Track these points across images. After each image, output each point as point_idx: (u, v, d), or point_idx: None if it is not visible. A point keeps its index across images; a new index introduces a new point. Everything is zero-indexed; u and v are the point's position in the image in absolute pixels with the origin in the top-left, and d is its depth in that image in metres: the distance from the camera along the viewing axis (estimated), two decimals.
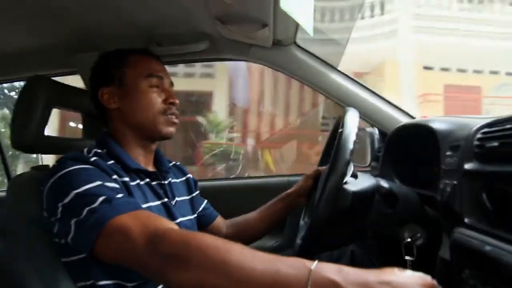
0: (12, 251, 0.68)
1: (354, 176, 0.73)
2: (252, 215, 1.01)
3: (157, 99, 0.80)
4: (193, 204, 0.94)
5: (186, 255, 0.48)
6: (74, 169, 0.64)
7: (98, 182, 0.62)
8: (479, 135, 0.54)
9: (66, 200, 0.60)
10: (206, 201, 1.03)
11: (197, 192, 0.99)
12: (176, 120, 0.83)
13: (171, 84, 0.86)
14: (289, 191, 0.99)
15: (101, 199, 0.59)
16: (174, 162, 0.99)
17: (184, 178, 0.97)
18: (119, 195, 0.62)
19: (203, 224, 0.98)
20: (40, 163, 0.89)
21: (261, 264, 0.45)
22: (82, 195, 0.60)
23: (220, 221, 1.02)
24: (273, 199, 1.01)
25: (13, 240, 0.70)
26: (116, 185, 0.66)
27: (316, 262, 0.44)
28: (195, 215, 0.94)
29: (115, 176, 0.68)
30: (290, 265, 0.45)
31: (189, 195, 0.95)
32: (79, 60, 1.09)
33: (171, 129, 0.82)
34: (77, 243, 0.60)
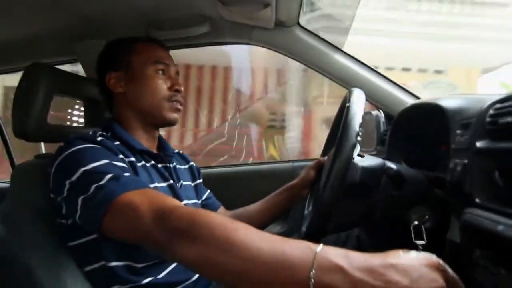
0: (17, 239, 0.68)
1: (361, 156, 0.71)
2: (254, 207, 1.01)
3: (163, 86, 0.81)
4: (197, 191, 0.95)
5: (192, 231, 0.48)
6: (82, 147, 0.65)
7: (106, 161, 0.63)
8: (491, 111, 0.52)
9: (74, 178, 0.61)
10: (208, 191, 1.03)
11: (201, 180, 1.00)
12: (180, 107, 0.84)
13: (177, 72, 0.87)
14: (291, 183, 0.98)
15: (108, 176, 0.59)
16: (177, 150, 0.99)
17: (187, 166, 0.98)
18: (127, 173, 0.63)
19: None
20: (43, 151, 0.89)
21: (266, 245, 0.44)
22: (89, 173, 0.61)
23: (222, 212, 1.03)
24: (275, 191, 1.00)
25: (18, 228, 0.70)
26: (123, 164, 0.67)
27: (321, 245, 0.44)
28: (200, 201, 0.94)
29: (121, 156, 0.70)
30: (296, 247, 0.44)
31: (193, 181, 0.96)
32: (79, 48, 1.08)
33: (175, 115, 0.83)
34: (85, 221, 0.61)
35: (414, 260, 0.41)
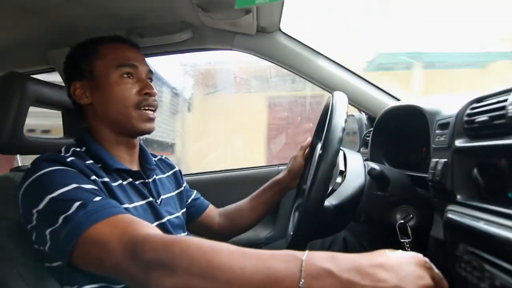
0: None
1: (342, 173, 0.72)
2: (243, 204, 1.01)
3: (130, 91, 0.74)
4: (181, 198, 0.92)
5: (169, 260, 0.46)
6: (49, 171, 0.61)
7: (74, 185, 0.59)
8: (468, 111, 0.53)
9: (41, 206, 0.57)
10: (195, 192, 1.01)
11: (185, 184, 0.97)
12: (152, 115, 0.77)
13: (149, 72, 0.80)
14: (279, 176, 0.98)
15: (76, 204, 0.56)
16: (159, 156, 0.96)
17: (171, 172, 0.94)
18: (97, 198, 0.59)
19: (194, 215, 0.97)
20: (20, 164, 0.86)
21: (250, 262, 0.43)
22: (56, 200, 0.57)
23: (212, 210, 1.01)
24: (264, 186, 1.00)
25: None
26: (94, 187, 0.62)
27: (307, 252, 0.43)
28: (184, 209, 0.91)
29: (93, 177, 0.65)
30: (281, 259, 0.43)
31: (177, 189, 0.93)
32: (56, 56, 1.04)
33: (148, 125, 0.76)
34: (54, 253, 0.58)
35: (401, 258, 0.42)
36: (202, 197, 1.02)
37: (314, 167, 0.65)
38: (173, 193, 0.90)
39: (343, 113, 0.66)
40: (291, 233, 0.76)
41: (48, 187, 0.58)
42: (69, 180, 0.59)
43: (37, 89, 0.83)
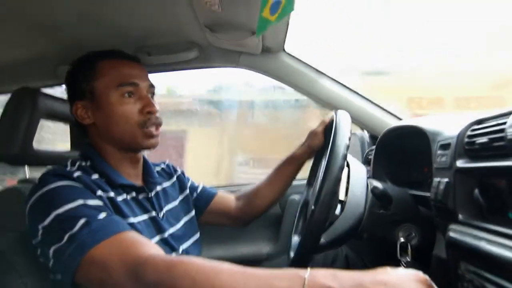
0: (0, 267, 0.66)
1: (341, 203, 0.73)
2: (261, 184, 0.99)
3: (133, 111, 0.73)
4: (187, 202, 0.92)
5: (172, 283, 0.46)
6: (55, 187, 0.61)
7: (80, 201, 0.59)
8: (469, 132, 0.55)
9: (46, 222, 0.58)
10: (201, 184, 1.00)
11: (189, 184, 0.97)
12: (156, 132, 0.76)
13: (151, 86, 0.78)
14: (297, 152, 0.96)
15: (81, 222, 0.56)
16: (162, 165, 0.96)
17: (174, 178, 0.94)
18: (101, 215, 0.59)
19: (202, 206, 0.97)
20: (27, 175, 0.87)
21: (253, 283, 0.44)
22: (62, 217, 0.57)
23: (223, 197, 1.00)
24: (280, 163, 0.99)
25: (1, 255, 0.67)
26: (99, 203, 0.62)
27: (309, 270, 0.44)
28: (191, 213, 0.91)
29: (99, 192, 0.65)
30: (284, 278, 0.44)
31: (181, 193, 0.92)
32: (65, 72, 1.07)
33: (152, 141, 0.76)
34: (58, 272, 0.58)
35: (403, 276, 0.43)
36: (208, 188, 1.01)
37: (318, 185, 0.66)
38: (177, 201, 0.90)
39: (347, 131, 0.68)
40: (292, 254, 0.77)
41: (54, 203, 0.59)
42: (75, 196, 0.60)
43: (47, 104, 0.85)
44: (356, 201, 0.74)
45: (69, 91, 0.79)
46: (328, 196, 0.62)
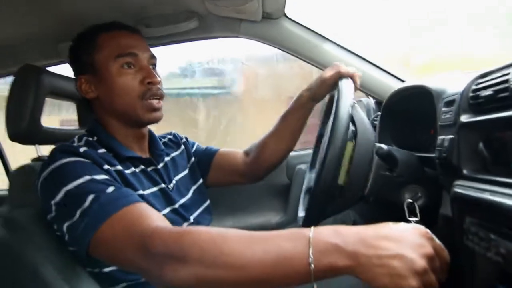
0: (19, 241, 0.68)
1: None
2: (267, 136, 0.95)
3: (133, 82, 0.73)
4: (194, 171, 0.93)
5: (180, 252, 0.47)
6: (63, 163, 0.62)
7: (87, 177, 0.60)
8: (473, 87, 0.54)
9: (58, 199, 0.60)
10: (206, 147, 1.01)
11: (194, 149, 0.97)
12: (157, 105, 0.76)
13: (152, 57, 0.78)
14: (300, 99, 0.90)
15: (90, 197, 0.58)
16: (168, 136, 0.97)
17: (182, 147, 0.95)
18: (109, 189, 0.60)
19: (205, 165, 0.96)
20: (39, 154, 0.89)
21: (260, 246, 0.45)
22: (71, 193, 0.59)
23: (226, 153, 0.98)
24: (284, 112, 0.93)
25: (19, 230, 0.70)
26: (107, 177, 0.63)
27: (313, 229, 0.45)
28: (197, 185, 0.92)
29: (106, 166, 0.66)
30: (289, 238, 0.45)
31: (189, 161, 0.94)
32: (67, 49, 1.07)
33: (154, 115, 0.76)
34: (74, 246, 0.61)
35: (403, 229, 0.44)
36: (210, 147, 1.00)
37: (322, 155, 0.66)
38: (187, 170, 0.92)
39: (350, 99, 0.67)
40: (302, 217, 0.78)
41: (63, 179, 0.60)
42: (83, 172, 0.61)
43: (51, 81, 0.86)
44: (363, 163, 0.73)
45: (73, 66, 0.79)
46: (332, 166, 0.62)
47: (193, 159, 0.96)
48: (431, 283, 0.42)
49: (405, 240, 0.42)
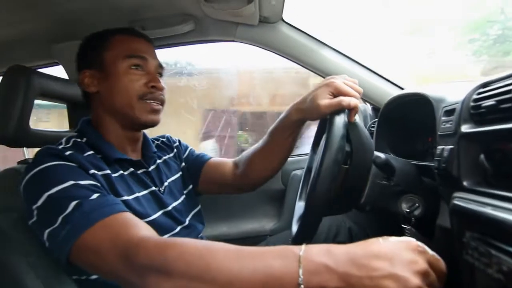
0: (2, 248, 0.66)
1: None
2: (256, 154, 0.87)
3: (137, 82, 0.74)
4: (185, 175, 0.92)
5: (166, 265, 0.46)
6: (47, 166, 0.61)
7: (71, 182, 0.59)
8: (474, 96, 0.53)
9: (39, 203, 0.58)
10: (196, 152, 0.98)
11: (185, 154, 0.95)
12: (157, 107, 0.76)
13: (159, 66, 0.80)
14: (291, 118, 0.78)
15: (73, 204, 0.56)
16: (162, 139, 0.95)
17: (174, 150, 0.94)
18: (93, 196, 0.58)
19: (195, 174, 0.93)
20: (27, 156, 0.87)
21: (248, 262, 0.43)
22: (54, 198, 0.57)
23: (216, 164, 0.94)
24: (272, 129, 0.83)
25: (2, 236, 0.67)
26: (92, 182, 0.62)
27: (303, 247, 0.43)
28: (188, 189, 0.90)
29: (92, 171, 0.64)
30: (279, 256, 0.43)
31: (180, 164, 0.92)
32: (60, 50, 1.05)
33: (152, 117, 0.75)
34: (54, 253, 0.58)
35: (394, 245, 0.42)
36: (202, 154, 0.97)
37: (318, 163, 0.64)
38: (179, 174, 0.90)
39: (342, 131, 0.64)
40: (295, 228, 0.76)
41: (45, 183, 0.58)
42: (66, 176, 0.59)
43: (41, 82, 0.83)
44: (359, 170, 0.71)
45: (79, 60, 0.80)
46: (327, 174, 0.60)
47: (183, 164, 0.94)
48: None
49: (397, 258, 0.40)
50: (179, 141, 0.98)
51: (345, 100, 0.65)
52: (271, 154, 0.86)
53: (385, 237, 0.44)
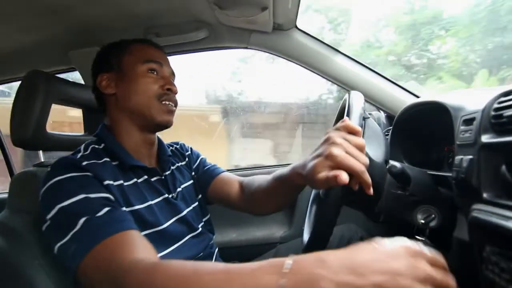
0: (15, 249, 0.67)
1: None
2: (261, 192, 0.85)
3: (154, 85, 0.77)
4: (196, 184, 0.92)
5: None
6: (62, 179, 0.62)
7: (82, 195, 0.60)
8: (496, 105, 0.51)
9: (52, 214, 0.59)
10: (209, 163, 0.98)
11: (198, 159, 0.96)
12: (172, 109, 0.79)
13: (172, 74, 0.84)
14: (293, 180, 0.70)
15: (82, 220, 0.57)
16: (175, 145, 0.96)
17: (186, 158, 0.95)
18: (102, 212, 0.59)
19: (204, 186, 0.93)
20: (42, 160, 0.88)
21: (236, 281, 0.42)
22: (65, 211, 0.59)
23: (225, 182, 0.93)
24: (277, 175, 0.79)
25: (16, 238, 0.68)
26: (104, 194, 0.63)
27: (293, 258, 0.41)
28: (198, 197, 0.91)
29: (107, 182, 0.66)
30: (268, 271, 0.42)
31: (191, 172, 0.93)
32: (77, 56, 1.07)
33: (167, 117, 0.78)
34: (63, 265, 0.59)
35: (391, 251, 0.40)
36: (214, 167, 0.96)
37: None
38: (191, 182, 0.91)
39: (359, 113, 0.64)
40: (308, 234, 0.75)
41: (58, 196, 0.60)
42: (79, 190, 0.61)
43: (60, 88, 0.85)
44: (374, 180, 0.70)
45: (96, 65, 0.82)
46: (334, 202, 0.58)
47: (193, 173, 0.94)
48: None
49: (397, 266, 0.38)
50: (191, 149, 0.98)
51: (342, 177, 0.52)
52: (276, 195, 0.83)
53: (378, 240, 0.41)
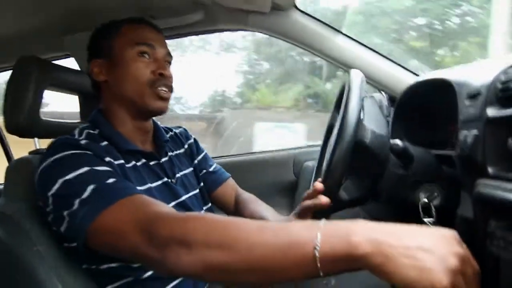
0: (12, 237, 0.66)
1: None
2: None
3: (145, 69, 0.73)
4: (197, 175, 0.90)
5: (185, 236, 0.45)
6: (63, 155, 0.61)
7: (87, 168, 0.59)
8: (502, 78, 0.50)
9: (54, 190, 0.58)
10: (215, 164, 0.97)
11: (200, 157, 0.94)
12: (166, 95, 0.75)
13: (168, 55, 0.79)
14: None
15: (90, 187, 0.56)
16: (176, 130, 0.94)
17: (186, 146, 0.92)
18: (110, 180, 0.58)
19: (210, 186, 0.93)
20: (38, 147, 0.87)
21: (268, 230, 0.43)
22: (70, 183, 0.57)
23: (228, 189, 0.94)
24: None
25: (13, 226, 0.67)
26: (108, 168, 0.62)
27: (324, 220, 0.42)
28: (201, 184, 0.90)
29: (108, 159, 0.65)
30: (301, 227, 0.42)
31: (192, 162, 0.91)
32: (71, 42, 1.05)
33: (160, 104, 0.75)
34: (70, 235, 0.58)
35: (430, 230, 0.39)
36: (221, 171, 0.96)
37: (330, 153, 0.63)
38: (190, 169, 0.89)
39: (359, 95, 0.64)
40: None
41: (62, 170, 0.58)
42: (82, 164, 0.59)
43: (52, 73, 0.83)
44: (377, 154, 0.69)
45: (89, 51, 0.80)
46: (339, 166, 0.60)
47: (196, 163, 0.92)
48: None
49: (435, 237, 0.38)
50: (195, 140, 0.96)
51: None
52: None
53: (421, 227, 0.40)
